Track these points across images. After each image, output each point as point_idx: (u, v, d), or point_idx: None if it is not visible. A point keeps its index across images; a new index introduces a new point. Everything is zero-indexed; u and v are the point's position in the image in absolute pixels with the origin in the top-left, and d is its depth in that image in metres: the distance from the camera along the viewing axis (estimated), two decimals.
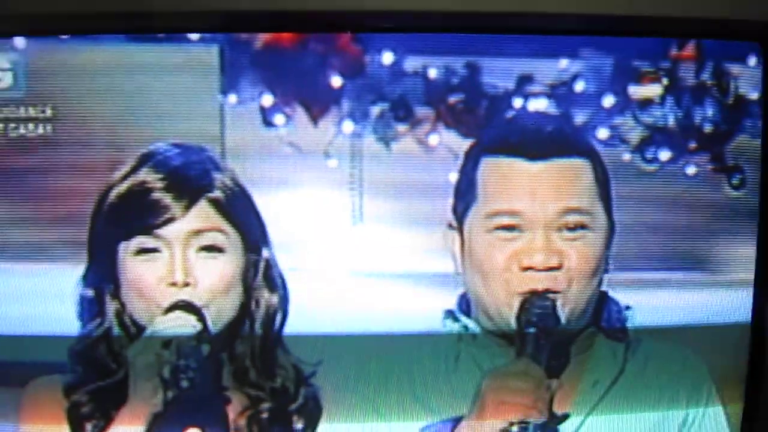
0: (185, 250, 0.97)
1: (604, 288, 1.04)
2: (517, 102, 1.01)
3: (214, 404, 1.02)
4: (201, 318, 0.98)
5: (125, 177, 0.97)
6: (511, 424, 1.00)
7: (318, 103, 1.00)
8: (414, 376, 1.05)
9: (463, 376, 1.04)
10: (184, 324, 0.97)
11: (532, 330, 1.01)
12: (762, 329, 1.04)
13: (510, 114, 1.02)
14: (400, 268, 1.03)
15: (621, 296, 1.05)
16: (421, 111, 1.01)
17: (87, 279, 1.00)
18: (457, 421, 1.03)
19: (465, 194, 1.02)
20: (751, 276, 1.05)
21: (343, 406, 1.05)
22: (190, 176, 0.98)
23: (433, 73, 1.01)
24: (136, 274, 0.98)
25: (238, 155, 1.00)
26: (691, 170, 1.04)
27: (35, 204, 1.00)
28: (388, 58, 1.00)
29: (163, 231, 0.97)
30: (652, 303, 1.06)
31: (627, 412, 1.06)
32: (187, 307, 0.97)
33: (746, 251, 1.05)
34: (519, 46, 1.00)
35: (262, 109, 1.00)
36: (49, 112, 0.98)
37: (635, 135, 1.04)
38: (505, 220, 1.01)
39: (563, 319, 1.02)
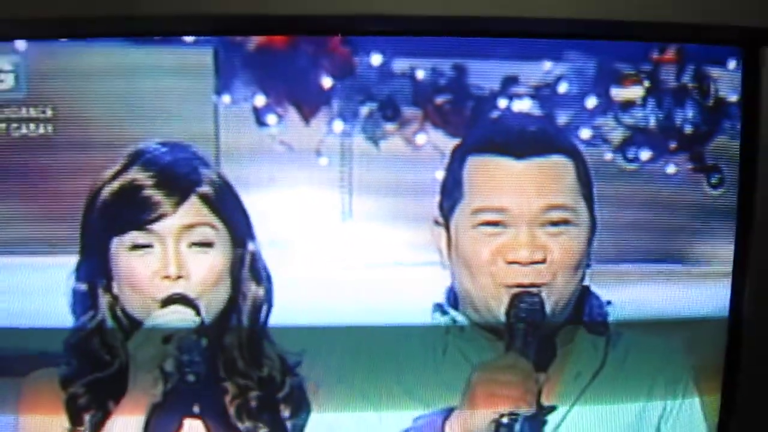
0: (177, 244, 0.99)
1: (586, 283, 1.05)
2: (502, 103, 1.02)
3: (210, 394, 1.03)
4: (198, 311, 0.99)
5: (117, 175, 0.98)
6: (502, 415, 1.02)
7: (309, 103, 1.01)
8: (403, 367, 1.06)
9: (450, 368, 1.05)
10: (183, 318, 0.99)
11: (521, 325, 1.02)
12: (739, 322, 1.05)
13: (495, 114, 1.02)
14: (389, 263, 1.03)
15: (602, 291, 1.06)
16: (409, 111, 1.02)
17: (79, 273, 1.00)
18: (449, 411, 1.04)
19: (451, 192, 1.03)
20: (728, 271, 1.06)
21: (335, 397, 1.06)
22: (180, 173, 0.99)
23: (420, 74, 1.01)
24: (130, 268, 0.99)
25: (232, 153, 1.00)
26: (671, 170, 1.05)
27: (37, 201, 1.00)
28: (376, 59, 1.00)
29: (155, 226, 0.98)
30: (632, 297, 1.06)
31: (609, 403, 1.08)
32: (184, 300, 0.98)
33: (724, 248, 1.06)
34: (504, 49, 1.01)
35: (255, 109, 1.00)
36: (49, 113, 0.99)
37: (617, 135, 1.04)
38: (491, 216, 1.02)
39: (551, 313, 1.03)
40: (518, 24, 0.97)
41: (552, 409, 1.06)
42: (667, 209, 1.05)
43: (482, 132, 1.03)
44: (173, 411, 1.02)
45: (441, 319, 1.05)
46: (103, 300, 1.01)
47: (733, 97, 1.04)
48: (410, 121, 1.02)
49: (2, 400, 1.03)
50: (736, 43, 1.02)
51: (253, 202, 1.01)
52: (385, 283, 1.03)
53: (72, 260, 1.01)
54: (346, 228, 1.03)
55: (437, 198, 1.03)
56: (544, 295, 1.03)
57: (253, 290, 1.02)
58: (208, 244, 1.00)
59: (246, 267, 1.02)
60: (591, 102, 1.03)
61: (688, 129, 1.04)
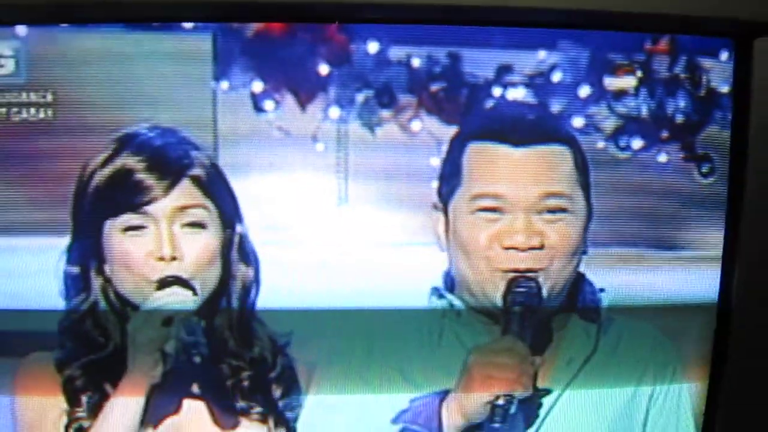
0: (171, 226, 0.99)
1: (580, 270, 1.06)
2: (497, 91, 1.02)
3: (208, 374, 1.04)
4: (196, 293, 1.00)
5: (110, 159, 0.99)
6: (497, 397, 1.02)
7: (306, 90, 1.01)
8: (399, 350, 1.06)
9: (446, 351, 1.06)
10: (183, 299, 0.99)
11: (517, 309, 1.03)
12: (727, 309, 1.06)
13: (493, 102, 1.03)
14: (384, 247, 1.04)
15: (595, 277, 1.06)
16: (405, 98, 1.02)
17: (71, 256, 1.01)
18: (445, 393, 1.05)
19: (450, 178, 1.04)
20: (718, 259, 1.06)
21: (332, 379, 1.06)
22: (172, 156, 1.00)
23: (416, 62, 1.01)
24: (124, 250, 0.99)
25: (230, 139, 1.01)
26: (662, 158, 1.05)
27: (37, 184, 1.00)
28: (373, 47, 1.00)
29: (149, 208, 0.99)
30: (623, 283, 1.07)
31: (600, 388, 1.08)
32: (180, 282, 0.99)
33: (714, 236, 1.06)
34: (499, 38, 1.01)
35: (253, 95, 1.01)
36: (49, 98, 0.99)
37: (609, 124, 1.04)
38: (489, 203, 1.03)
39: (547, 298, 1.03)
40: (513, 13, 0.97)
41: (546, 392, 1.07)
42: (659, 197, 1.06)
43: (482, 119, 1.03)
44: (173, 391, 1.03)
45: (438, 303, 1.06)
46: (96, 282, 1.01)
47: (725, 88, 1.04)
48: (405, 108, 1.02)
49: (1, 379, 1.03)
50: (728, 34, 1.02)
51: (251, 186, 1.02)
52: (381, 267, 1.04)
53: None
54: (342, 212, 1.03)
55: (434, 183, 1.04)
56: (540, 280, 1.03)
57: (243, 271, 1.03)
58: (200, 225, 1.01)
59: (235, 248, 1.03)
60: (585, 91, 1.03)
61: (679, 119, 1.05)
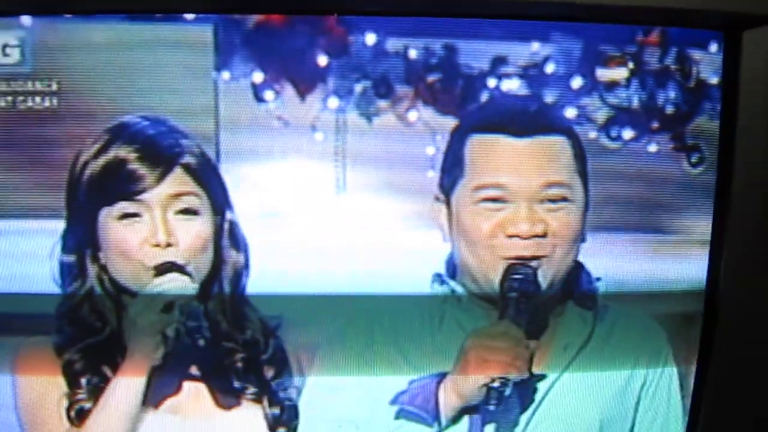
0: (165, 213, 1.00)
1: (579, 258, 1.07)
2: (492, 82, 1.03)
3: (207, 357, 1.05)
4: (192, 278, 1.01)
5: (102, 149, 1.00)
6: (493, 379, 1.03)
7: (305, 80, 1.01)
8: (400, 334, 1.07)
9: (446, 335, 1.07)
10: (182, 285, 1.01)
11: (513, 294, 1.04)
12: (715, 294, 1.06)
13: (489, 94, 1.03)
14: (381, 233, 1.05)
15: (590, 265, 1.07)
16: (401, 89, 1.02)
17: (66, 244, 1.02)
18: (442, 375, 1.06)
19: (452, 170, 1.05)
20: (706, 247, 1.07)
21: (335, 360, 1.07)
22: (164, 145, 1.01)
23: (412, 53, 1.02)
24: (119, 238, 1.00)
25: (231, 128, 1.02)
26: (652, 148, 1.06)
27: (42, 170, 1.01)
28: (371, 39, 1.01)
29: (143, 196, 1.00)
30: (616, 270, 1.08)
31: (595, 373, 1.09)
32: (176, 267, 1.00)
33: (702, 224, 1.07)
34: (494, 30, 1.01)
35: (254, 85, 1.01)
36: (54, 87, 0.99)
37: (601, 115, 1.05)
38: (492, 193, 1.04)
39: (543, 285, 1.05)
40: (507, 6, 0.98)
41: (542, 377, 1.08)
42: (649, 186, 1.06)
43: (482, 112, 1.04)
44: (172, 373, 1.04)
45: (439, 289, 1.07)
46: (92, 269, 1.02)
47: (714, 80, 1.05)
48: (402, 98, 1.03)
49: (1, 362, 1.04)
50: (718, 27, 1.03)
51: (251, 174, 1.02)
52: (380, 253, 1.04)
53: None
54: (341, 199, 1.04)
55: (430, 173, 1.04)
56: (538, 267, 1.04)
57: (234, 256, 1.04)
58: (193, 212, 1.02)
59: (226, 234, 1.04)
60: (577, 82, 1.04)
61: (669, 109, 1.05)
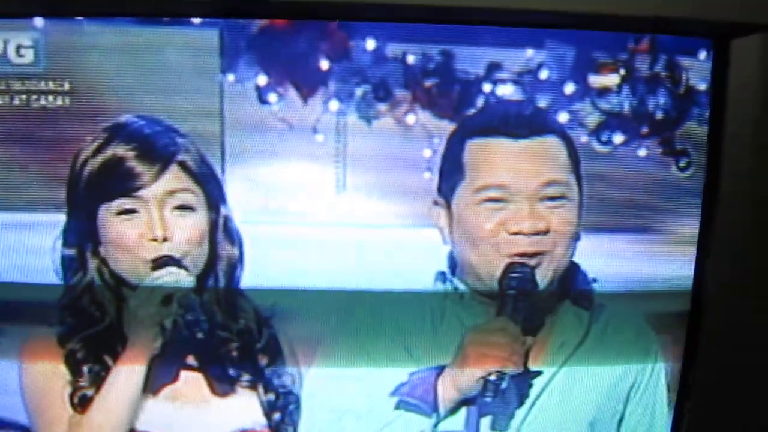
0: (162, 209, 1.03)
1: (575, 258, 1.08)
2: (487, 87, 1.04)
3: (203, 346, 1.08)
4: (189, 272, 1.03)
5: (101, 148, 1.02)
6: (490, 373, 1.06)
7: (307, 84, 1.03)
8: (403, 329, 1.09)
9: (447, 331, 1.09)
10: (178, 278, 1.03)
11: (511, 292, 1.06)
12: (701, 295, 1.08)
13: (484, 99, 1.04)
14: (382, 231, 1.06)
15: (584, 265, 1.09)
16: (400, 93, 1.04)
17: (67, 238, 1.04)
18: (441, 368, 1.08)
19: (451, 174, 1.06)
20: (693, 249, 1.08)
21: (339, 353, 1.10)
22: (161, 143, 1.03)
23: (411, 58, 1.03)
24: (118, 232, 1.03)
25: (236, 129, 1.03)
26: (642, 153, 1.07)
27: (52, 166, 1.03)
28: (371, 44, 1.02)
29: (141, 193, 1.02)
30: (608, 270, 1.09)
31: (588, 371, 1.12)
32: (173, 261, 1.03)
33: (690, 227, 1.08)
34: (489, 37, 1.02)
35: (258, 88, 1.02)
36: (67, 86, 1.01)
37: (593, 120, 1.06)
38: (494, 193, 1.06)
39: (541, 284, 1.07)
40: (503, 14, 0.98)
41: (537, 373, 1.10)
42: (639, 189, 1.07)
43: (480, 116, 1.05)
44: (170, 362, 1.07)
45: (442, 286, 1.09)
46: (92, 263, 1.05)
47: (703, 86, 1.05)
48: (401, 102, 1.04)
49: (8, 349, 1.07)
50: (707, 35, 1.03)
51: (255, 173, 1.04)
52: (380, 251, 1.06)
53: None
54: (340, 199, 1.06)
55: (427, 174, 1.06)
56: (537, 266, 1.06)
57: (229, 250, 1.06)
58: (189, 208, 1.04)
59: (221, 229, 1.06)
60: (570, 88, 1.05)
61: (659, 115, 1.06)
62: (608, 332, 1.11)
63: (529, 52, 1.04)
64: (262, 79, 1.03)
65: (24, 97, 1.01)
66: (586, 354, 1.11)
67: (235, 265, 1.07)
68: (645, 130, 1.07)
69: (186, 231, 1.04)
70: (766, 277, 1.05)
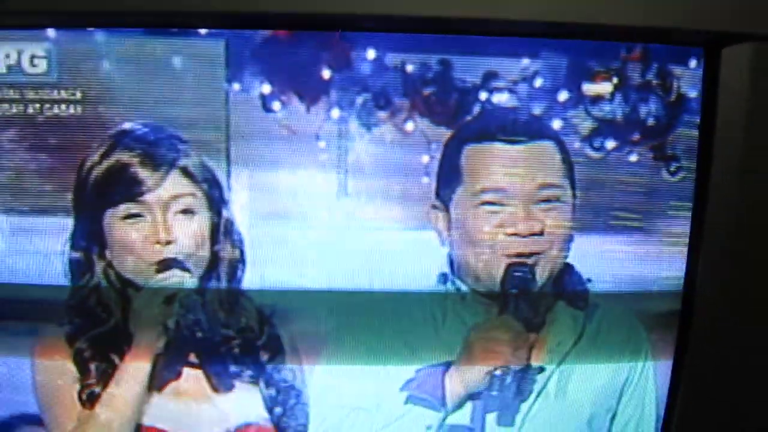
0: (165, 213, 1.05)
1: (570, 258, 1.11)
2: (484, 95, 1.05)
3: (205, 344, 1.10)
4: (192, 273, 1.06)
5: (105, 154, 1.04)
6: (495, 368, 1.09)
7: (310, 92, 1.04)
8: (405, 328, 1.12)
9: (450, 330, 1.12)
10: (181, 280, 1.06)
11: (513, 291, 1.09)
12: (692, 295, 1.09)
13: (482, 107, 1.06)
14: (382, 235, 1.08)
15: (579, 266, 1.11)
16: (399, 101, 1.05)
17: (75, 242, 1.07)
18: (447, 365, 1.11)
19: (449, 179, 1.09)
20: (684, 250, 1.10)
21: (343, 351, 1.12)
22: (162, 149, 1.05)
23: (410, 68, 1.04)
24: (124, 236, 1.05)
25: (242, 136, 1.05)
26: (634, 158, 1.08)
27: (63, 172, 1.05)
28: (371, 54, 1.03)
29: (145, 197, 1.05)
30: (601, 271, 1.11)
31: (585, 369, 1.14)
32: (177, 263, 1.05)
33: (680, 229, 1.10)
34: (486, 46, 1.04)
35: (262, 96, 1.04)
36: (78, 95, 1.03)
37: (586, 126, 1.08)
38: (491, 197, 1.08)
39: (540, 283, 1.09)
40: (499, 24, 1.00)
41: (540, 369, 1.13)
42: (630, 193, 1.09)
43: (477, 123, 1.07)
44: (174, 360, 1.09)
45: (443, 287, 1.11)
46: (98, 265, 1.07)
47: (693, 93, 1.06)
48: (400, 109, 1.06)
49: (20, 346, 1.09)
50: (698, 44, 1.05)
51: (260, 178, 1.06)
52: (381, 253, 1.08)
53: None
54: (342, 202, 1.07)
55: (425, 179, 1.08)
56: (535, 265, 1.09)
57: (230, 252, 1.09)
58: (192, 212, 1.06)
59: (222, 232, 1.08)
60: (564, 95, 1.06)
61: (651, 122, 1.07)
62: (602, 331, 1.14)
63: (525, 61, 1.05)
64: (267, 88, 1.04)
65: (37, 105, 1.03)
66: (582, 352, 1.13)
67: (237, 266, 1.09)
68: (636, 136, 1.08)
69: (189, 234, 1.06)
70: (754, 278, 1.07)
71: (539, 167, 1.08)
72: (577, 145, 1.08)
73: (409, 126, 1.07)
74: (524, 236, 1.08)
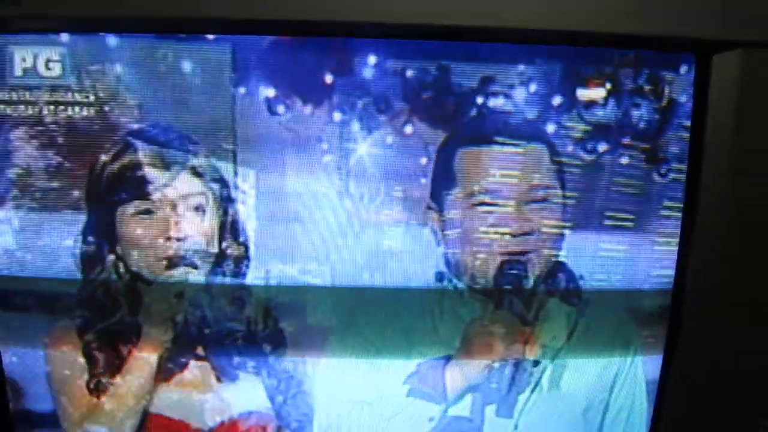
0: (175, 211, 1.08)
1: (561, 255, 1.13)
2: (480, 100, 1.07)
3: (210, 337, 1.13)
4: (200, 270, 1.09)
5: (119, 154, 1.07)
6: (493, 361, 1.12)
7: (313, 96, 1.06)
8: (406, 323, 1.14)
9: (447, 326, 1.14)
10: (190, 276, 1.09)
11: (507, 288, 1.11)
12: (681, 293, 1.11)
13: (477, 111, 1.08)
14: (382, 233, 1.11)
15: (571, 264, 1.13)
16: (399, 105, 1.07)
17: (87, 237, 1.09)
18: (447, 358, 1.14)
19: (444, 181, 1.10)
20: (674, 250, 1.12)
21: (345, 345, 1.14)
22: (173, 150, 1.07)
23: (409, 73, 1.06)
24: (134, 232, 1.08)
25: (247, 138, 1.07)
26: (625, 161, 1.10)
27: (76, 172, 1.08)
28: (372, 60, 1.05)
29: (156, 196, 1.07)
30: (593, 269, 1.14)
31: (578, 363, 1.17)
32: (186, 260, 1.08)
33: (671, 229, 1.11)
34: (483, 53, 1.06)
35: (267, 100, 1.06)
36: (92, 98, 1.05)
37: (579, 130, 1.09)
38: (483, 198, 1.10)
39: (534, 279, 1.12)
40: (496, 32, 1.01)
41: (536, 362, 1.15)
42: (622, 193, 1.11)
43: (472, 126, 1.09)
44: (180, 353, 1.12)
45: (440, 285, 1.13)
46: (109, 260, 1.10)
47: (684, 98, 1.08)
48: (399, 113, 1.07)
49: (34, 337, 1.12)
50: (690, 51, 1.06)
51: (264, 179, 1.08)
52: (381, 251, 1.11)
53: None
54: (344, 203, 1.10)
55: (423, 180, 1.10)
56: (528, 262, 1.11)
57: (236, 249, 1.11)
58: (200, 210, 1.09)
59: (229, 229, 1.11)
60: (558, 100, 1.08)
61: (642, 126, 1.09)
62: (594, 326, 1.16)
63: (520, 67, 1.07)
64: (271, 92, 1.05)
65: (52, 108, 1.05)
66: (575, 346, 1.16)
67: (242, 263, 1.12)
68: (628, 139, 1.10)
69: (198, 231, 1.09)
70: (742, 278, 1.08)
71: (531, 168, 1.09)
72: (570, 148, 1.10)
73: (408, 129, 1.08)
74: (516, 235, 1.10)
